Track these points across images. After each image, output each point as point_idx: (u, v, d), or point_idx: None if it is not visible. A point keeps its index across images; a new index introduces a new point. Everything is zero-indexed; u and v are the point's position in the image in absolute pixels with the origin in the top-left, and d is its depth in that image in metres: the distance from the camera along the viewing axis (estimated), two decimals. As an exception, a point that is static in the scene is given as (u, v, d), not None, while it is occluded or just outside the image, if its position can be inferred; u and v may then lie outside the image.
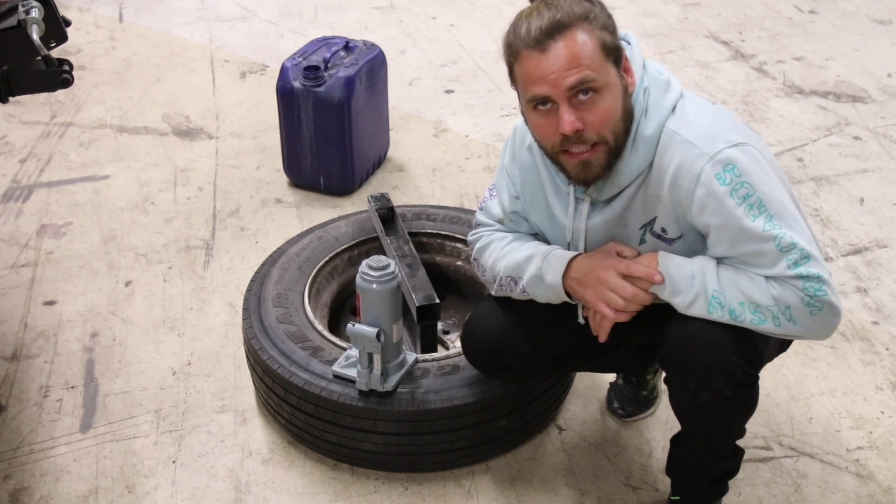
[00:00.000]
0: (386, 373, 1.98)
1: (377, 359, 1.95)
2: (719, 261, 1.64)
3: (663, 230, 1.69)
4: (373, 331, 1.92)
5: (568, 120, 1.56)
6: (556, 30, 1.54)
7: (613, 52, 1.58)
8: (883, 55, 4.35)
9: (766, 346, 1.68)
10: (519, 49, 1.58)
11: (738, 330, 1.62)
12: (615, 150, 1.62)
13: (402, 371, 2.02)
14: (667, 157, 1.62)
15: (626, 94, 1.61)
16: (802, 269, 1.56)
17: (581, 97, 1.56)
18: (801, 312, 1.57)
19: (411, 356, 2.07)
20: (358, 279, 1.94)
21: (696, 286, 1.61)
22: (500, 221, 1.93)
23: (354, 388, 2.00)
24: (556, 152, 1.63)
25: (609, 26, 1.58)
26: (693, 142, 1.60)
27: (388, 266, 1.93)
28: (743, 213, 1.57)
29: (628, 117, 1.62)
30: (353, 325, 1.95)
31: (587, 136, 1.58)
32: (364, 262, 1.94)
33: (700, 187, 1.59)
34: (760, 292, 1.58)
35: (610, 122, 1.59)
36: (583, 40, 1.55)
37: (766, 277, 1.58)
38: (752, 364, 1.66)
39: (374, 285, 1.91)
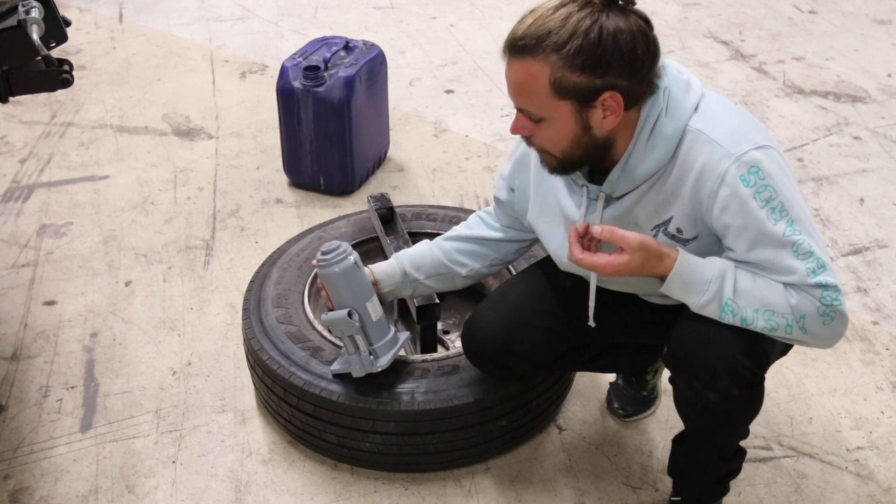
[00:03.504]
0: (375, 354, 1.97)
1: (360, 340, 1.94)
2: (737, 264, 1.63)
3: (679, 230, 1.68)
4: (343, 312, 1.91)
5: (513, 125, 1.66)
6: (515, 51, 1.57)
7: (574, 93, 1.55)
8: (883, 55, 4.36)
9: (772, 348, 1.68)
10: None
11: (745, 330, 1.61)
12: (566, 163, 1.67)
13: (395, 349, 2.00)
14: (691, 155, 1.61)
15: (588, 131, 1.60)
16: (821, 278, 1.56)
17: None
18: (815, 321, 1.58)
19: (403, 334, 2.05)
20: (317, 269, 1.93)
21: (711, 290, 1.60)
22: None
23: (354, 387, 1.99)
24: None
25: (584, 64, 1.52)
26: (718, 141, 1.59)
27: (339, 246, 1.92)
28: (765, 217, 1.56)
29: (589, 147, 1.63)
30: (326, 313, 1.94)
31: (534, 144, 1.67)
32: (318, 252, 1.94)
33: (724, 187, 1.58)
34: (778, 300, 1.58)
35: (554, 146, 1.64)
36: (532, 73, 1.56)
37: (785, 284, 1.58)
38: (760, 365, 1.66)
39: (334, 267, 1.91)
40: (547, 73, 1.54)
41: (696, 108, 1.64)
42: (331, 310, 1.96)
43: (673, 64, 1.68)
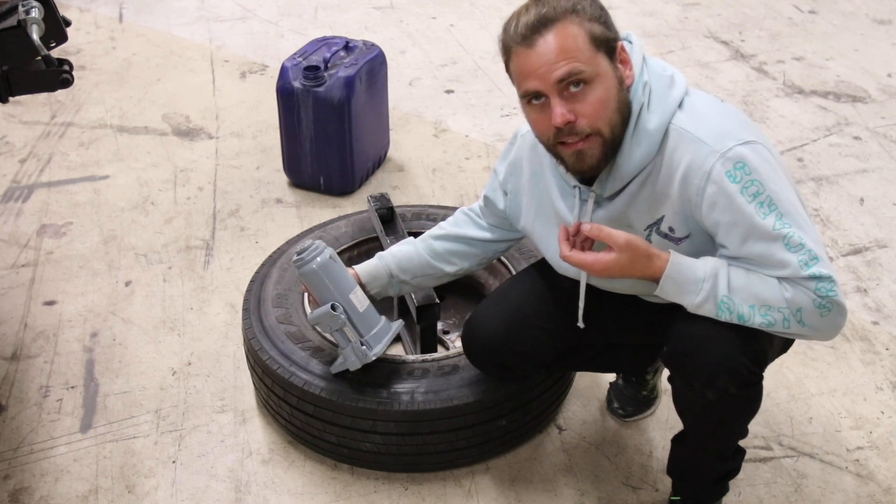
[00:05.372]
0: (368, 344, 1.97)
1: (349, 332, 1.94)
2: (730, 261, 1.63)
3: (671, 229, 1.68)
4: (327, 306, 1.91)
5: (559, 112, 1.57)
6: (543, 24, 1.56)
7: (604, 43, 1.58)
8: (883, 55, 4.36)
9: (770, 346, 1.68)
10: (510, 46, 1.61)
11: (743, 329, 1.61)
12: (611, 141, 1.62)
13: (388, 337, 1.99)
14: (677, 154, 1.62)
15: (622, 85, 1.61)
16: (814, 270, 1.55)
17: (572, 89, 1.57)
18: (812, 314, 1.57)
19: (397, 322, 2.05)
20: (295, 271, 1.94)
21: (705, 289, 1.60)
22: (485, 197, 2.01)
23: (354, 387, 1.99)
24: (553, 144, 1.65)
25: (600, 17, 1.59)
26: (703, 139, 1.60)
27: (311, 245, 1.93)
28: (753, 211, 1.57)
29: (625, 109, 1.61)
30: (310, 312, 1.94)
31: (580, 127, 1.59)
32: (293, 255, 1.95)
33: (711, 184, 1.58)
34: (773, 294, 1.58)
35: (603, 113, 1.59)
36: (570, 32, 1.56)
37: (779, 279, 1.58)
38: (758, 363, 1.66)
39: (311, 265, 1.91)
40: (580, 28, 1.56)
41: (682, 106, 1.64)
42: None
43: (656, 61, 1.69)
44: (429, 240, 2.06)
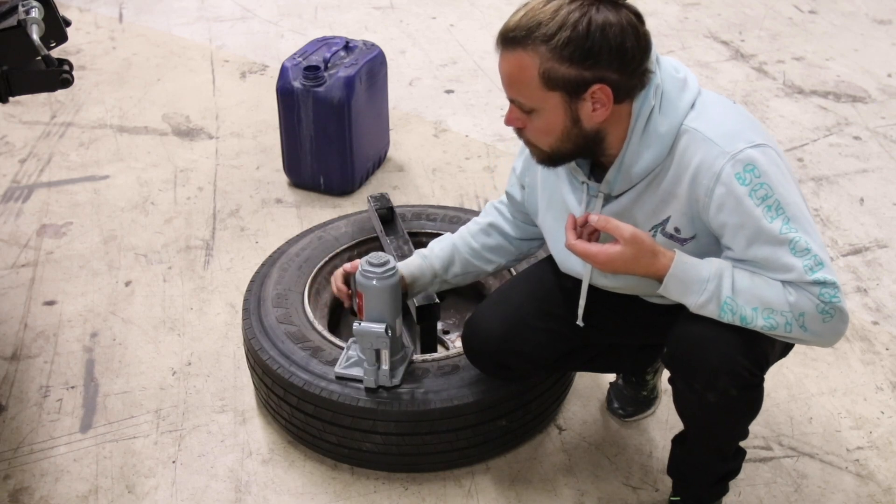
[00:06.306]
0: (392, 367, 1.98)
1: (385, 355, 1.95)
2: (735, 263, 1.62)
3: (677, 230, 1.68)
4: (381, 327, 1.91)
5: (507, 117, 1.67)
6: (508, 42, 1.59)
7: (563, 85, 1.56)
8: (883, 55, 4.36)
9: (771, 349, 1.68)
10: None
11: (745, 331, 1.61)
12: (554, 156, 1.68)
13: (405, 364, 2.03)
14: (688, 154, 1.61)
15: (580, 123, 1.61)
16: (819, 275, 1.55)
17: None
18: (814, 319, 1.57)
19: (408, 349, 2.07)
20: (359, 277, 1.93)
21: (709, 289, 1.60)
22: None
23: (354, 387, 1.99)
24: None
25: (572, 57, 1.53)
26: (714, 140, 1.59)
27: (388, 262, 1.92)
28: (761, 214, 1.56)
29: (580, 140, 1.63)
30: (360, 323, 1.94)
31: (525, 136, 1.69)
32: (364, 260, 1.93)
33: (720, 186, 1.58)
34: (777, 298, 1.57)
35: (542, 138, 1.65)
36: (522, 63, 1.57)
37: (783, 282, 1.58)
38: (759, 365, 1.66)
39: (376, 282, 1.91)
40: (536, 64, 1.55)
41: (693, 107, 1.64)
42: (353, 313, 1.99)
43: (669, 61, 1.68)
44: (466, 236, 2.06)
